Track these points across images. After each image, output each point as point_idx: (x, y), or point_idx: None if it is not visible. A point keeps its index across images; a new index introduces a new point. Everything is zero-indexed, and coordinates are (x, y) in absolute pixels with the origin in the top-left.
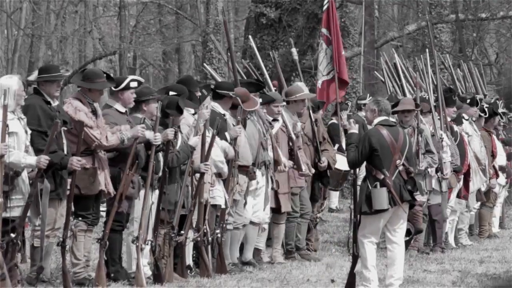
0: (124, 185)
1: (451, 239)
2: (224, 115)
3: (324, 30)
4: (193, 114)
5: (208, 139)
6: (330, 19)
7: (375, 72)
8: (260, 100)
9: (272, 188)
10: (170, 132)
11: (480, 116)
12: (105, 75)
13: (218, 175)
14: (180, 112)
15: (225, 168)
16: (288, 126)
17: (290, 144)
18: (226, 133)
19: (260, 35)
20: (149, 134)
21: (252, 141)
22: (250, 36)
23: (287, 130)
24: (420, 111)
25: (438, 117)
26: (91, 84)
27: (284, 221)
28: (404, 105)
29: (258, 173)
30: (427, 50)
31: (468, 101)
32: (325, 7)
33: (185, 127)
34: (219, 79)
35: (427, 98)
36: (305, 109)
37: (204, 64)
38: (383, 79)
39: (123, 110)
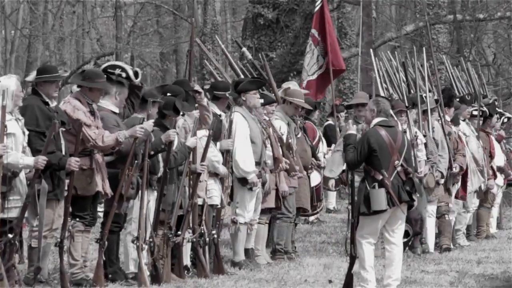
0: (125, 186)
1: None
2: (220, 115)
3: (313, 31)
4: (182, 115)
5: (204, 139)
6: (322, 18)
7: (372, 72)
8: (262, 100)
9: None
10: (172, 133)
11: (472, 115)
12: (105, 75)
13: (215, 174)
14: (177, 112)
15: (220, 169)
16: (275, 126)
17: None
18: (218, 143)
19: (257, 35)
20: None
21: (257, 140)
22: (242, 46)
23: (276, 130)
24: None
25: (431, 117)
26: (92, 83)
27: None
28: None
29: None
30: (424, 50)
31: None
32: (317, 8)
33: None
34: (224, 75)
35: (436, 97)
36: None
37: (205, 61)
38: (379, 80)
39: (117, 111)
